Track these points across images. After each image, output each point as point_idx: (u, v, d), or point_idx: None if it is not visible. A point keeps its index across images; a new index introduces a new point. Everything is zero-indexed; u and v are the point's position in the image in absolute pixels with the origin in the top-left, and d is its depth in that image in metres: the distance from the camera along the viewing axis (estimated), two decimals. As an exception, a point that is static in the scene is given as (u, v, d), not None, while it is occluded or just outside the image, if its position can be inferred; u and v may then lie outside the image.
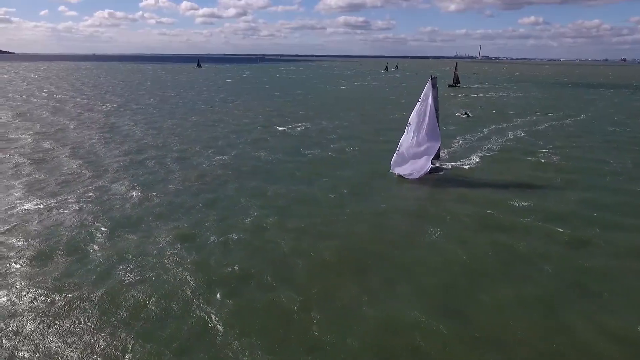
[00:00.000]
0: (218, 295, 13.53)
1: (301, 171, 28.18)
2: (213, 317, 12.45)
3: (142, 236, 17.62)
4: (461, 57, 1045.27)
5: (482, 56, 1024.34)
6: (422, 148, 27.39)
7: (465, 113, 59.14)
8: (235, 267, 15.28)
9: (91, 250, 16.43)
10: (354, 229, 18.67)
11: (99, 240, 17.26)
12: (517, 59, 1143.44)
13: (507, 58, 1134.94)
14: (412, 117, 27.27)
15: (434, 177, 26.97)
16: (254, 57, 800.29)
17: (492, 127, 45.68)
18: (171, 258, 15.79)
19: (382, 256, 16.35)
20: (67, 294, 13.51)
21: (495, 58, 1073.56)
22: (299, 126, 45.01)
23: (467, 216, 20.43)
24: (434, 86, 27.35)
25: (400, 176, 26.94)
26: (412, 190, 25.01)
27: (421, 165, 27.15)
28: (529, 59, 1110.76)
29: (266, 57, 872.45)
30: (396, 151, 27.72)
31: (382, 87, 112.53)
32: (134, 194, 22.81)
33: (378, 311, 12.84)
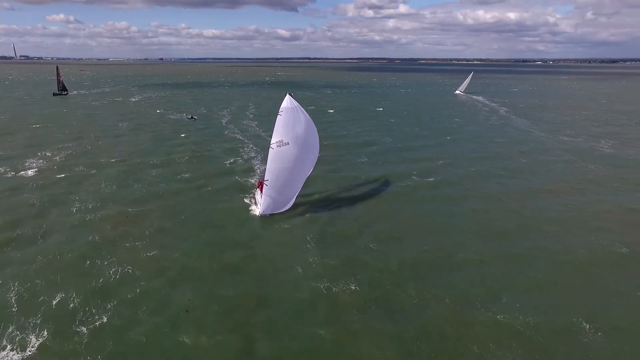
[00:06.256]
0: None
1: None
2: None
3: None
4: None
5: (21, 56, 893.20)
6: (302, 175, 26.57)
7: (191, 117, 59.22)
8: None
9: None
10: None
11: None
12: (63, 58, 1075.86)
13: (52, 58, 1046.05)
14: (292, 150, 25.56)
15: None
16: None
17: (241, 126, 51.19)
18: None
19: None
20: None
21: (38, 58, 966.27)
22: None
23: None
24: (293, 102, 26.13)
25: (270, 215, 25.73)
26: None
27: (295, 192, 26.51)
28: (77, 59, 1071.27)
29: None
30: (270, 195, 25.58)
31: None
32: None
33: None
